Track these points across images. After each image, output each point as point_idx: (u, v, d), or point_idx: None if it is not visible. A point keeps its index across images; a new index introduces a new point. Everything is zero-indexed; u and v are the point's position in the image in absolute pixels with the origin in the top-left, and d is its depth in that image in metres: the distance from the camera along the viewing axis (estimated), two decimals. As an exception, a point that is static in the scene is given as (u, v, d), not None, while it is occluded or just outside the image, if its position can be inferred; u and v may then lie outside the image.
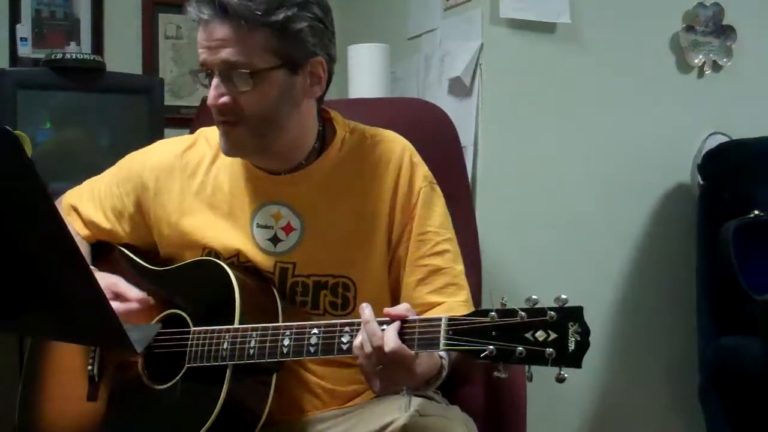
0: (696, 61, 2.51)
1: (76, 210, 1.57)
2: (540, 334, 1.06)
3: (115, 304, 1.36)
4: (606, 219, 2.43)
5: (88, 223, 1.56)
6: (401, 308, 1.19)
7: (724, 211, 2.34)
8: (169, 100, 2.93)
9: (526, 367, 1.08)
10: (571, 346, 1.05)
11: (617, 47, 2.41)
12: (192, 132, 2.77)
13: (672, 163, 2.50)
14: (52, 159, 2.40)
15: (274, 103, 1.34)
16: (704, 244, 2.42)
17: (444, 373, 1.26)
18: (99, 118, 2.51)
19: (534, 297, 1.08)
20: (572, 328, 1.06)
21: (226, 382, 1.27)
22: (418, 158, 1.48)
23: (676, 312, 2.51)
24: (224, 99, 1.32)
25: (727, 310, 2.34)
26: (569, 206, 2.39)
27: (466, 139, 2.22)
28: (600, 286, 2.44)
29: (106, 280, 1.41)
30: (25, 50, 2.83)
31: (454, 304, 1.39)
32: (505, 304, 1.10)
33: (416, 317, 1.17)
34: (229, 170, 1.47)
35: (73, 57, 2.43)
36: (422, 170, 1.47)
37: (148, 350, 1.40)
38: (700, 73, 2.53)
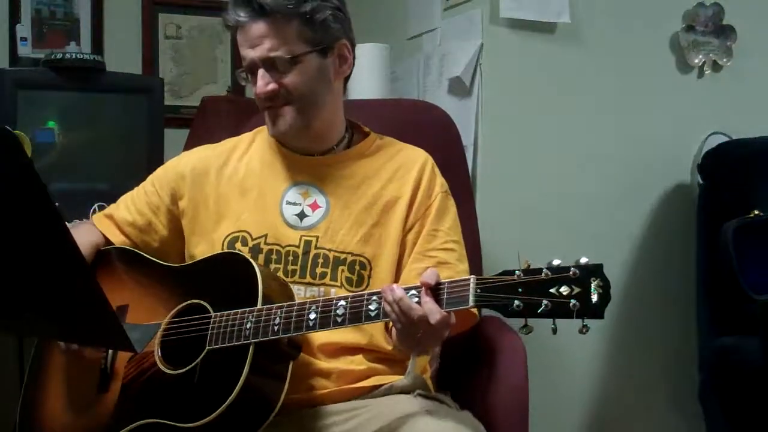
0: (696, 61, 2.51)
1: (110, 217, 1.65)
2: (564, 289, 1.13)
3: None
4: (606, 219, 2.43)
5: (123, 226, 1.63)
6: (432, 276, 1.24)
7: (724, 211, 2.34)
8: (169, 100, 2.93)
9: (552, 320, 1.13)
10: (594, 298, 1.12)
11: (617, 47, 2.41)
12: (192, 132, 2.78)
13: (672, 163, 2.50)
14: (51, 159, 2.40)
15: (313, 82, 1.51)
16: (704, 244, 2.42)
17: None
18: (99, 118, 2.51)
19: (555, 261, 1.16)
20: (594, 283, 1.13)
21: (248, 361, 1.29)
22: (437, 170, 1.63)
23: (676, 312, 2.51)
24: (271, 86, 1.49)
25: (727, 310, 2.34)
26: (569, 206, 2.39)
27: (466, 138, 2.22)
28: (600, 286, 2.43)
29: None
30: (25, 50, 2.83)
31: None
32: (530, 265, 1.16)
33: (445, 280, 1.24)
34: (261, 156, 1.61)
35: (73, 57, 2.43)
36: (441, 180, 1.62)
37: (166, 338, 1.42)
38: (700, 73, 2.53)
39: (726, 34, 2.53)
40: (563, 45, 2.36)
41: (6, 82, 2.35)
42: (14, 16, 2.92)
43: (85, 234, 1.61)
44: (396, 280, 1.53)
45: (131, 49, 3.08)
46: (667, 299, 2.52)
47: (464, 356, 1.75)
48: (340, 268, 1.50)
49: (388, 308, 1.25)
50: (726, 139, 2.49)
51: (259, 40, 1.47)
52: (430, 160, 1.62)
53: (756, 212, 2.31)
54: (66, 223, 1.16)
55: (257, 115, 1.61)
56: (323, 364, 1.45)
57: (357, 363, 1.48)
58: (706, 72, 2.53)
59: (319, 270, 1.50)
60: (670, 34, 2.50)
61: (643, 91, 2.45)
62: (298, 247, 1.51)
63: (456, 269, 1.52)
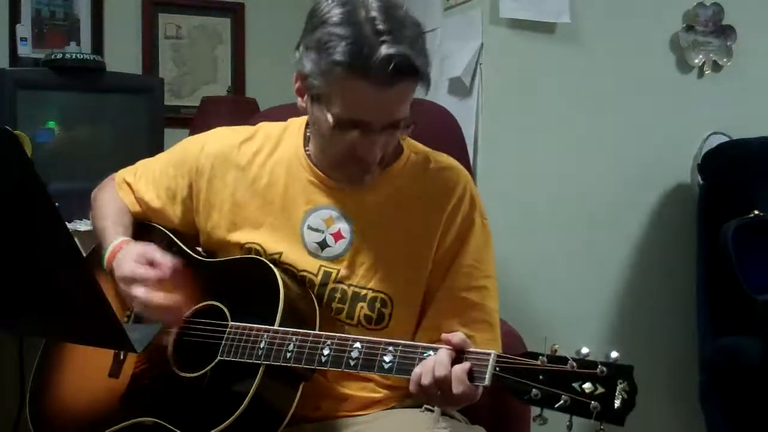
0: (696, 61, 2.51)
1: (129, 185, 1.58)
2: (588, 386, 1.05)
3: (150, 271, 1.37)
4: (606, 219, 2.43)
5: (139, 201, 1.56)
6: (459, 340, 1.18)
7: (724, 211, 2.34)
8: (169, 100, 2.93)
9: (568, 416, 1.07)
10: (617, 403, 1.05)
11: (617, 47, 2.42)
12: (192, 132, 2.78)
13: (672, 163, 2.50)
14: (51, 159, 2.40)
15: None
16: (704, 244, 2.42)
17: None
18: (99, 118, 2.51)
19: (585, 350, 1.08)
20: (621, 386, 1.05)
21: (256, 381, 1.26)
22: (476, 193, 1.49)
23: (676, 312, 2.51)
24: (381, 151, 1.35)
25: (727, 310, 2.34)
26: (569, 206, 2.39)
27: (466, 138, 2.22)
28: (600, 286, 2.44)
29: (141, 247, 1.42)
30: (25, 50, 2.84)
31: (482, 340, 1.37)
32: (556, 351, 1.09)
33: (467, 350, 1.18)
34: (286, 167, 1.47)
35: (73, 57, 2.44)
36: (480, 206, 1.48)
37: (181, 336, 1.40)
38: (700, 73, 2.53)
39: (726, 34, 2.53)
40: (563, 45, 2.36)
41: (6, 82, 2.35)
42: (14, 16, 2.92)
43: (121, 208, 1.56)
44: (419, 318, 1.45)
45: (131, 49, 3.08)
46: (667, 299, 2.52)
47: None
48: (360, 304, 1.40)
49: (423, 395, 1.19)
50: (726, 139, 2.49)
51: (395, 104, 1.30)
52: (469, 183, 1.48)
53: (756, 212, 2.31)
54: (66, 222, 1.16)
55: (257, 115, 1.60)
56: (334, 387, 1.40)
57: (369, 390, 1.42)
58: (706, 72, 2.53)
59: (335, 305, 1.40)
60: (670, 34, 2.50)
61: (643, 91, 2.45)
62: (316, 276, 1.41)
63: (486, 310, 1.43)
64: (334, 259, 1.41)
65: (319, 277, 1.41)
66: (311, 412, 1.39)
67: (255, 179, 1.47)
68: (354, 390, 1.41)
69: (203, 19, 3.22)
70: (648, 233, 2.49)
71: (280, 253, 1.42)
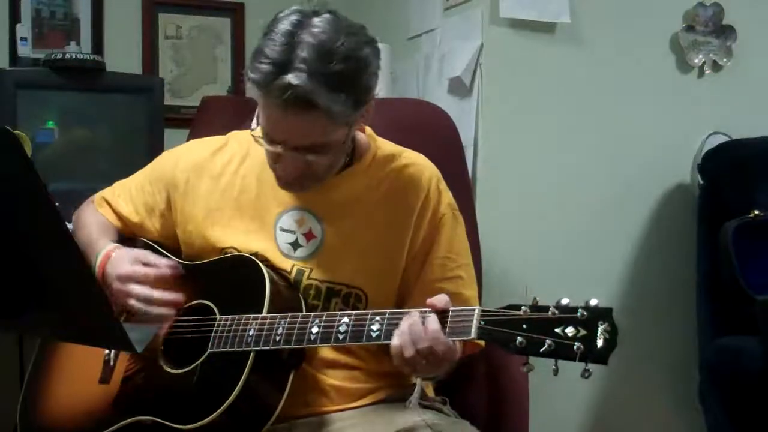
0: (696, 61, 2.51)
1: (108, 203, 1.62)
2: (570, 330, 1.09)
3: (149, 270, 1.42)
4: (606, 219, 2.43)
5: (119, 217, 1.60)
6: (444, 303, 1.22)
7: (724, 211, 2.34)
8: (169, 100, 2.93)
9: (554, 361, 1.10)
10: (600, 343, 1.08)
11: (617, 47, 2.41)
12: (192, 132, 2.78)
13: (672, 163, 2.50)
14: (52, 159, 2.40)
15: (340, 154, 1.41)
16: (704, 244, 2.42)
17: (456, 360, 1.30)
18: (99, 118, 2.51)
19: (564, 300, 1.12)
20: (602, 327, 1.09)
21: (246, 368, 1.28)
22: (444, 185, 1.52)
23: (676, 312, 2.51)
24: (297, 171, 1.36)
25: (727, 310, 2.34)
26: (569, 206, 2.39)
27: (466, 139, 2.22)
28: (600, 286, 2.44)
29: (134, 251, 1.46)
30: (25, 50, 2.84)
31: None
32: (537, 302, 1.13)
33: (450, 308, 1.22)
34: (258, 173, 1.49)
35: (73, 57, 2.44)
36: (447, 197, 1.51)
37: (170, 336, 1.42)
38: (700, 73, 2.53)
39: (726, 34, 2.53)
40: (563, 45, 2.35)
41: (6, 82, 2.35)
42: (14, 16, 2.92)
43: (104, 223, 1.59)
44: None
45: (131, 49, 3.08)
46: (667, 299, 2.52)
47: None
48: (334, 300, 1.43)
49: (396, 341, 1.22)
50: (726, 139, 2.49)
51: (299, 129, 1.31)
52: (435, 176, 1.51)
53: (756, 212, 2.31)
54: (66, 223, 1.16)
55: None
56: (322, 379, 1.42)
57: (357, 380, 1.45)
58: (706, 72, 2.53)
59: (310, 302, 1.42)
60: (670, 34, 2.50)
61: (643, 91, 2.45)
62: (290, 273, 1.44)
63: (461, 299, 1.44)
64: (306, 258, 1.44)
65: (293, 274, 1.44)
66: (300, 409, 1.40)
67: (227, 187, 1.50)
68: (341, 380, 1.43)
69: (203, 19, 3.21)
70: (648, 233, 2.49)
71: (255, 253, 1.44)
